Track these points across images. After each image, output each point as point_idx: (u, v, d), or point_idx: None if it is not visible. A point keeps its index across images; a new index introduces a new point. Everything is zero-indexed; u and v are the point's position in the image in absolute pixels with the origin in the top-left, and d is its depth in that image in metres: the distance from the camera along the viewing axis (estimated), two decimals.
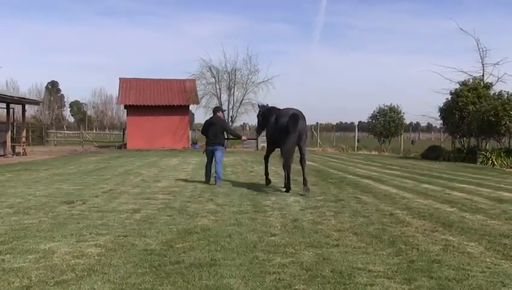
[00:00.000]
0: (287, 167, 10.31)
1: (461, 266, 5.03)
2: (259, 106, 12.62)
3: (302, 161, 10.50)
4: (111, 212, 7.86)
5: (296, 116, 10.30)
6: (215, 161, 12.04)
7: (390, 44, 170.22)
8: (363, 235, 6.34)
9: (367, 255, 5.37)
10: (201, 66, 36.04)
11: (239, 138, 14.06)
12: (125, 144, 33.97)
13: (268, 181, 11.63)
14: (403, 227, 6.91)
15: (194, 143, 34.84)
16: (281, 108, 11.27)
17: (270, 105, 12.18)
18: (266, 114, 11.60)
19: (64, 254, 5.35)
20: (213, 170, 12.05)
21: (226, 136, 13.06)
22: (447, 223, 7.24)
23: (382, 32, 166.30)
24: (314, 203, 9.05)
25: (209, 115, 13.99)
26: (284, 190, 10.65)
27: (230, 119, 36.49)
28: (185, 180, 12.76)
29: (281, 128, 10.32)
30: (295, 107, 10.81)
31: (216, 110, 12.91)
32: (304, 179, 10.37)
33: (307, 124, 11.28)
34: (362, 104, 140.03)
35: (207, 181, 12.01)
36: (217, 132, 12.07)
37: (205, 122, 12.75)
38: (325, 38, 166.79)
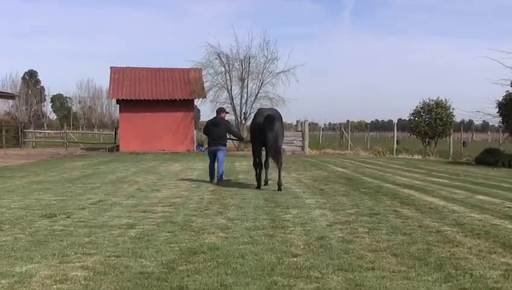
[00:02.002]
0: (279, 165, 12.55)
1: None
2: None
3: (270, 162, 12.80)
4: (100, 228, 7.91)
5: (271, 117, 12.67)
6: (217, 161, 14.29)
7: (435, 26, 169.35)
8: (404, 257, 6.31)
9: (409, 281, 5.34)
10: (209, 53, 36.04)
11: (241, 139, 17.98)
12: (118, 146, 34.21)
13: (258, 184, 13.23)
14: (453, 247, 6.86)
15: (200, 145, 34.90)
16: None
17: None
18: None
19: (44, 277, 5.39)
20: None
21: (228, 136, 15.35)
22: (508, 243, 7.16)
23: (425, 12, 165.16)
24: (345, 217, 9.03)
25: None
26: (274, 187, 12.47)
27: (243, 116, 36.45)
28: (189, 190, 12.82)
29: (257, 128, 12.86)
30: (274, 108, 14.32)
31: (219, 110, 15.18)
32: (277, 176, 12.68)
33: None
34: (402, 98, 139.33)
35: (211, 181, 14.19)
36: (220, 134, 14.31)
37: (208, 122, 14.90)
38: (356, 19, 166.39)
